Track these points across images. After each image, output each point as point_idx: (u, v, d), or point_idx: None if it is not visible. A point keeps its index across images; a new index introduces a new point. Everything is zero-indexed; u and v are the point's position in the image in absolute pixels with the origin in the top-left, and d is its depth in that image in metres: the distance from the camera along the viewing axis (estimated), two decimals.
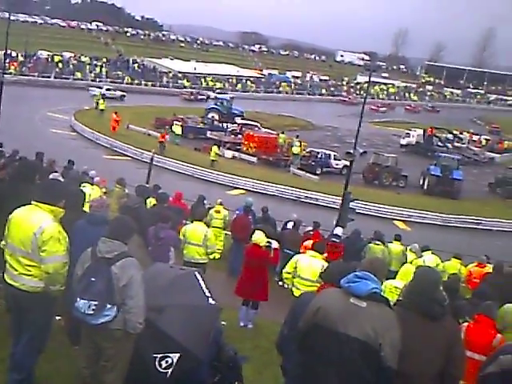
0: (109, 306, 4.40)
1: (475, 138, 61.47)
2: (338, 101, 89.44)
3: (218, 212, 14.86)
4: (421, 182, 37.88)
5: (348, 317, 3.64)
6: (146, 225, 9.22)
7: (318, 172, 37.10)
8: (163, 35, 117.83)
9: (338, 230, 13.84)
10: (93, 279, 4.47)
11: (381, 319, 3.64)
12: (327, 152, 39.87)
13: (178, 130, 41.62)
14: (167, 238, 8.96)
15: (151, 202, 12.19)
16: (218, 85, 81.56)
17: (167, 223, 9.19)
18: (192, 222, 10.61)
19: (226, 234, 15.24)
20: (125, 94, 61.76)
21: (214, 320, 4.74)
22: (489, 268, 12.47)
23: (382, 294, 3.82)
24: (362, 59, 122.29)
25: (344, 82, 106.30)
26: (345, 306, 3.69)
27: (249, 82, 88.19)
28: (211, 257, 10.86)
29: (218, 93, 64.24)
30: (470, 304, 6.94)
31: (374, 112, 78.09)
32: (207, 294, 4.70)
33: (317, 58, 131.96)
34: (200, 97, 70.47)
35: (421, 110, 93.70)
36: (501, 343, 5.27)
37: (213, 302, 4.67)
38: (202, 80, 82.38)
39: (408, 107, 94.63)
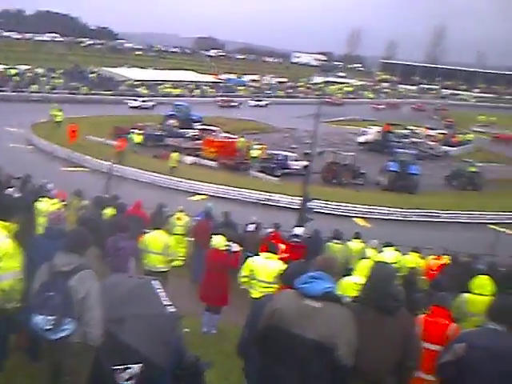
0: (67, 319, 4.38)
1: (431, 132, 62.65)
2: (322, 102, 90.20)
3: (179, 219, 14.84)
4: (379, 179, 38.44)
5: (304, 318, 3.69)
6: (105, 235, 9.19)
7: (277, 174, 37.25)
8: (119, 44, 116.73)
9: (298, 231, 13.92)
10: (50, 294, 4.43)
11: (336, 319, 3.69)
12: (286, 153, 40.12)
13: (136, 138, 41.29)
14: (126, 247, 8.92)
15: (110, 212, 12.12)
16: (176, 91, 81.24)
17: (126, 233, 9.16)
18: (152, 230, 10.58)
19: (188, 240, 15.21)
20: (155, 103, 67.95)
21: (174, 328, 4.74)
22: (445, 259, 12.83)
23: (336, 293, 3.88)
24: (318, 60, 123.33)
25: (301, 83, 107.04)
26: (300, 308, 3.73)
27: (207, 88, 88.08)
28: (174, 264, 10.85)
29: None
30: (426, 296, 7.11)
31: (375, 111, 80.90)
32: (166, 302, 4.72)
33: (273, 60, 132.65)
34: (232, 104, 79.06)
35: (428, 109, 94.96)
36: (456, 332, 5.40)
37: (172, 310, 4.69)
38: (160, 87, 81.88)
39: (414, 106, 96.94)
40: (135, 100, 68.86)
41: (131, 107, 65.96)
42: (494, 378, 3.92)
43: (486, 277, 7.68)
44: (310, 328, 3.65)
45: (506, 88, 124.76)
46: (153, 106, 68.23)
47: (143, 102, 68.74)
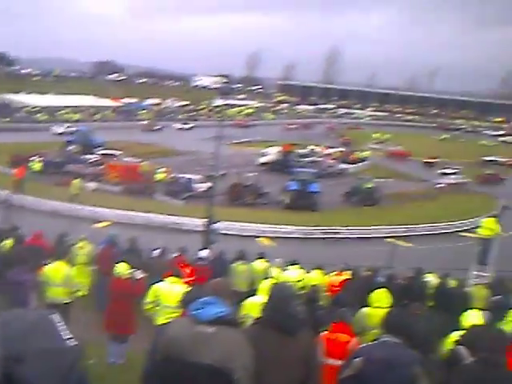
0: None
1: (329, 151, 64.71)
2: (232, 125, 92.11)
3: (81, 248, 14.41)
4: (281, 198, 39.21)
5: (198, 345, 3.66)
6: (3, 269, 8.79)
7: (182, 197, 37.18)
8: (16, 70, 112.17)
9: (204, 253, 13.95)
10: None
11: (230, 343, 3.68)
12: (190, 176, 40.13)
13: (36, 165, 39.81)
14: (26, 280, 8.57)
15: (8, 244, 11.63)
16: (76, 116, 79.18)
17: (25, 265, 8.81)
18: (53, 261, 10.24)
19: (91, 269, 14.80)
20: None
21: (75, 362, 4.61)
22: (347, 275, 13.25)
23: (229, 316, 3.90)
24: (218, 82, 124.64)
25: (202, 106, 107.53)
26: (193, 334, 3.70)
27: (108, 112, 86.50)
28: (77, 295, 10.54)
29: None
30: (328, 312, 7.30)
31: (287, 131, 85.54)
32: (67, 335, 4.59)
33: (174, 83, 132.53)
34: (156, 127, 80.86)
35: (340, 128, 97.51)
36: (356, 347, 5.62)
37: (73, 344, 4.57)
38: (60, 113, 79.43)
39: (328, 125, 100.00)
40: (61, 126, 66.82)
41: (55, 134, 63.87)
42: None
43: (384, 290, 8.00)
44: (205, 354, 3.63)
45: (397, 106, 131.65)
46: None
47: (67, 127, 65.70)
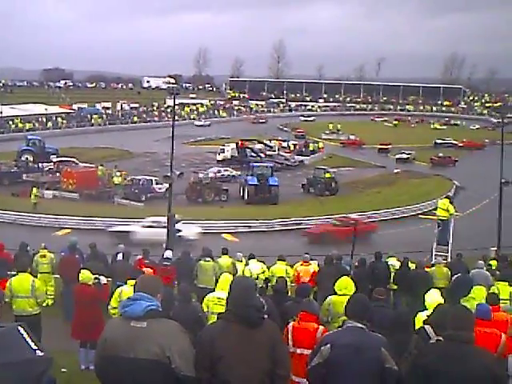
0: None
1: (284, 144, 65.07)
2: (241, 120, 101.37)
3: (43, 256, 14.12)
4: (241, 193, 39.30)
5: (133, 341, 3.74)
6: None
7: (142, 199, 36.91)
8: None
9: (168, 253, 13.84)
10: None
11: (163, 333, 3.77)
12: (148, 178, 39.85)
13: None
14: None
15: None
16: (28, 125, 77.47)
17: None
18: (17, 273, 10.03)
19: (55, 277, 14.55)
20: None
21: (44, 371, 4.57)
22: (313, 265, 13.38)
23: (158, 308, 3.92)
24: (168, 83, 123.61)
25: (154, 107, 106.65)
26: (127, 331, 3.78)
27: (59, 119, 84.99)
28: (44, 304, 10.35)
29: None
30: (295, 303, 7.36)
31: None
32: (33, 346, 4.54)
33: (124, 86, 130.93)
34: (261, 120, 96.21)
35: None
36: (323, 335, 5.67)
37: (41, 354, 4.52)
38: (11, 122, 77.50)
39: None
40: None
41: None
42: (358, 372, 4.22)
43: (348, 277, 8.13)
44: (141, 349, 3.72)
45: (348, 96, 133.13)
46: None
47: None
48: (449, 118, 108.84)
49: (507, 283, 9.77)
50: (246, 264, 13.35)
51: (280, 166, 50.41)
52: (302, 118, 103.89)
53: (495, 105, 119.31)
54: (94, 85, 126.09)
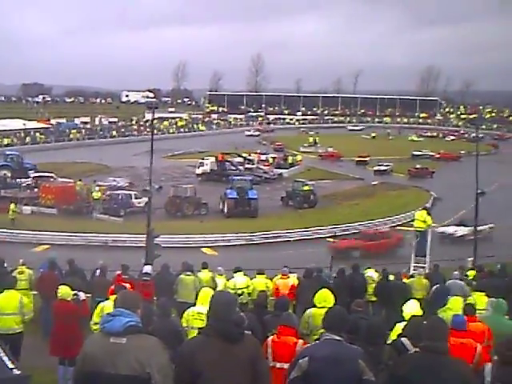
0: None
1: (263, 157, 65.24)
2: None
3: (21, 273, 13.96)
4: (221, 207, 39.28)
5: (113, 356, 3.76)
6: None
7: (121, 214, 36.70)
8: None
9: (147, 268, 13.79)
10: None
11: (143, 349, 3.79)
12: (127, 192, 39.66)
13: None
14: None
15: None
16: (6, 140, 76.70)
17: None
18: (2, 290, 9.90)
19: (33, 294, 14.39)
20: None
21: None
22: (292, 278, 13.42)
23: (138, 324, 3.92)
24: (147, 97, 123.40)
25: (133, 122, 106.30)
26: (107, 347, 3.79)
27: (38, 134, 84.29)
28: (26, 321, 10.24)
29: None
30: (274, 317, 7.38)
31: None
32: (10, 365, 4.53)
33: (103, 101, 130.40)
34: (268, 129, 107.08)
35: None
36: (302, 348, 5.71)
37: (18, 372, 4.51)
38: None
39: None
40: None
41: None
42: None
43: (327, 290, 8.18)
44: (121, 365, 3.73)
45: (325, 109, 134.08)
46: None
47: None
48: (426, 129, 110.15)
49: (483, 293, 9.91)
50: (229, 278, 13.33)
51: (259, 180, 50.48)
52: (350, 128, 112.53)
53: (470, 116, 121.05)
54: (72, 99, 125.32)
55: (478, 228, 25.84)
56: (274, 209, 40.92)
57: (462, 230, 31.24)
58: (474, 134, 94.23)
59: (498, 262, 15.63)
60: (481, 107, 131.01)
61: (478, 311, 8.12)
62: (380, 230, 31.82)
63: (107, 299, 8.96)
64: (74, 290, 9.77)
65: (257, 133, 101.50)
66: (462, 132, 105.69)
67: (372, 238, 29.04)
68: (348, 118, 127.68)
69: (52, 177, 44.81)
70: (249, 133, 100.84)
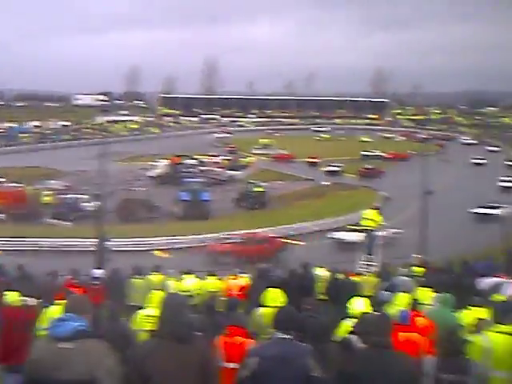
0: None
1: (216, 159, 65.16)
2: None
3: None
4: (173, 209, 39.07)
5: (60, 362, 3.74)
6: None
7: (71, 218, 36.13)
8: None
9: (97, 272, 13.67)
10: None
11: (91, 353, 3.79)
12: (77, 196, 39.06)
13: None
14: None
15: None
16: None
17: None
18: None
19: None
20: None
21: None
22: (244, 278, 13.47)
23: (87, 329, 3.92)
24: (99, 100, 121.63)
25: (86, 125, 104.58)
26: (55, 352, 3.77)
27: None
28: None
29: None
30: (225, 317, 7.41)
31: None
32: None
33: (54, 104, 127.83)
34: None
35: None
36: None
37: None
38: None
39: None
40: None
41: None
42: (285, 382, 4.30)
43: (277, 289, 8.25)
44: (68, 370, 3.72)
45: (277, 112, 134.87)
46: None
47: None
48: (375, 130, 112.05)
49: (430, 289, 10.16)
50: (179, 280, 13.29)
51: (212, 182, 50.47)
52: (314, 129, 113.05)
53: (419, 118, 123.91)
54: (24, 103, 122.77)
55: (380, 233, 24.15)
56: (227, 210, 40.96)
57: (353, 236, 29.58)
58: (421, 135, 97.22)
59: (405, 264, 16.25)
60: (429, 108, 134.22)
61: (424, 306, 8.34)
62: (260, 235, 30.90)
63: (55, 304, 8.81)
64: (23, 296, 9.58)
65: (228, 135, 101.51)
66: (410, 132, 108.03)
67: (249, 242, 28.53)
68: (302, 120, 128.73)
69: (1, 181, 43.83)
70: (219, 135, 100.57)
